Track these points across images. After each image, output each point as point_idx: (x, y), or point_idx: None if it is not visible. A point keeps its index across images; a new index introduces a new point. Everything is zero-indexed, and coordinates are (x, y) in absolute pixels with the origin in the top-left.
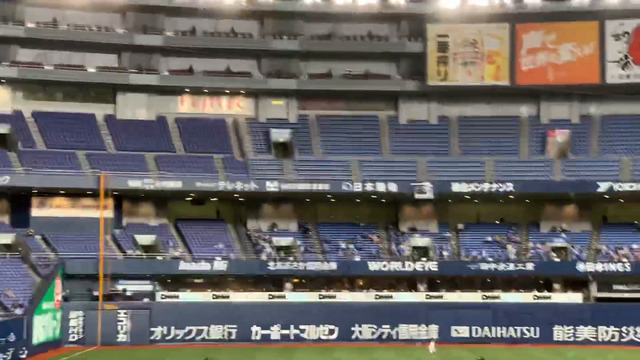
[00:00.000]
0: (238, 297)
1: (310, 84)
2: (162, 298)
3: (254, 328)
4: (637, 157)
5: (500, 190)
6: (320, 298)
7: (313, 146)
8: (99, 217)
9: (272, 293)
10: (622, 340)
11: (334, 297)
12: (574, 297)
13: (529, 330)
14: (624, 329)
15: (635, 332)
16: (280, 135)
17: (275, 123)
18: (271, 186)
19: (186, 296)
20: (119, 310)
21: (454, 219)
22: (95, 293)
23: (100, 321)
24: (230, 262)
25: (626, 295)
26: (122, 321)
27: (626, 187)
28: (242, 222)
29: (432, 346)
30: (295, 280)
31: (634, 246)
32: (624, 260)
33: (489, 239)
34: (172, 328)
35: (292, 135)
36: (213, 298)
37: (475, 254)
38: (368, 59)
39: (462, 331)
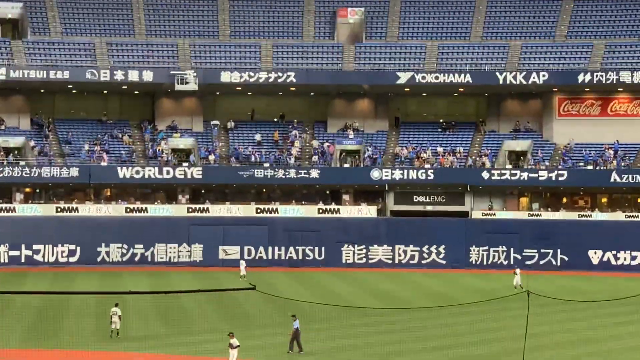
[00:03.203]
0: None
1: None
2: None
3: None
4: (444, 42)
5: (280, 80)
6: (58, 212)
7: (50, 24)
8: None
9: None
10: (423, 262)
11: (75, 210)
12: (367, 211)
13: (312, 251)
14: (425, 248)
15: (439, 253)
16: (8, 10)
17: None
18: None
19: None
20: None
21: (223, 115)
22: None
23: None
24: None
25: (429, 208)
26: None
27: (431, 78)
28: None
29: (242, 268)
30: (27, 190)
31: (439, 149)
32: (427, 166)
33: (262, 139)
34: None
35: (23, 10)
36: None
37: (248, 158)
38: None
39: (232, 252)
